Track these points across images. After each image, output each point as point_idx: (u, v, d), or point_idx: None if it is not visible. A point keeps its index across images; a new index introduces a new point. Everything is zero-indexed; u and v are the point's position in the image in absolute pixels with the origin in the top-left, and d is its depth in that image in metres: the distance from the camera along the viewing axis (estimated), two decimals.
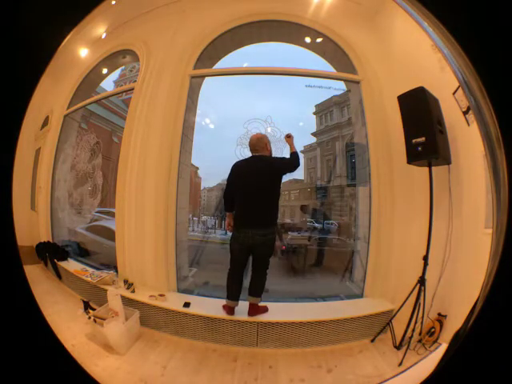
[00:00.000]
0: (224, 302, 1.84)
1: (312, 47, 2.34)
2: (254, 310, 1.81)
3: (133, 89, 2.21)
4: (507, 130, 0.89)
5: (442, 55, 1.11)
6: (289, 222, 2.87)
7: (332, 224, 2.71)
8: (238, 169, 1.95)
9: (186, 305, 1.87)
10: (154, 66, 2.17)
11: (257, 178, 1.85)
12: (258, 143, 1.93)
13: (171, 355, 1.65)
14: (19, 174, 1.11)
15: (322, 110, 2.71)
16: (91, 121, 2.56)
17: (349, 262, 2.30)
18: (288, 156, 1.97)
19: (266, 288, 1.89)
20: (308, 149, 2.79)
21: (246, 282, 1.90)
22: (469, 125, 1.42)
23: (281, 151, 2.36)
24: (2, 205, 1.00)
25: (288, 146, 2.00)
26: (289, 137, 1.99)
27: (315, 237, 2.67)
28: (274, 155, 2.09)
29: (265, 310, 1.84)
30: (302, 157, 2.03)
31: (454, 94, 1.41)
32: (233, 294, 1.82)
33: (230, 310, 1.81)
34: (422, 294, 1.59)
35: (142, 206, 2.08)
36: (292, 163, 1.94)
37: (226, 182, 2.57)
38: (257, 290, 1.84)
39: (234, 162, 2.02)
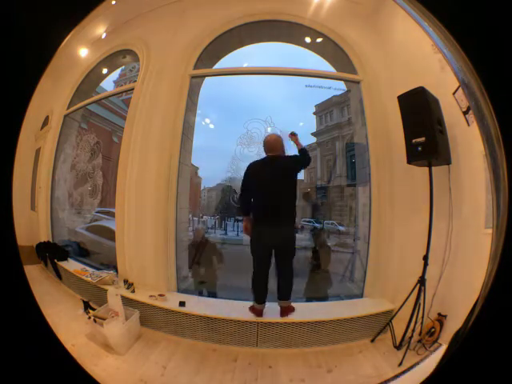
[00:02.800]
0: (250, 303, 1.84)
1: (312, 47, 2.34)
2: (286, 311, 1.81)
3: (133, 89, 2.21)
4: (507, 130, 0.89)
5: (442, 55, 1.11)
6: None
7: (332, 224, 2.71)
8: (255, 169, 1.95)
9: (182, 304, 1.87)
10: (154, 65, 2.17)
11: (276, 177, 1.88)
12: (276, 144, 1.98)
13: (171, 355, 1.65)
14: (19, 173, 1.11)
15: (322, 110, 2.70)
16: (91, 121, 2.55)
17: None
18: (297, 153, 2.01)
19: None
20: (308, 149, 2.78)
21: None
22: (469, 125, 1.41)
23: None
24: (2, 205, 1.00)
25: (293, 143, 2.02)
26: (294, 135, 2.03)
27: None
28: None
29: (293, 309, 1.83)
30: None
31: (454, 94, 1.41)
32: (260, 297, 1.83)
33: (259, 312, 1.80)
34: (422, 294, 1.59)
35: (142, 206, 2.08)
36: (305, 160, 2.02)
37: (226, 183, 2.59)
38: (286, 292, 1.84)
39: (236, 161, 2.11)
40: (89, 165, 2.38)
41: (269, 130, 2.36)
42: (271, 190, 1.86)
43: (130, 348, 1.67)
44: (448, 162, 1.62)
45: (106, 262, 2.20)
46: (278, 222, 1.83)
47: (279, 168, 1.92)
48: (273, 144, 1.97)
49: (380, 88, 2.06)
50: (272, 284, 1.86)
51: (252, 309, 1.83)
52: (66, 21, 1.05)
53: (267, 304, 1.84)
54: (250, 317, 1.78)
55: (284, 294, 1.84)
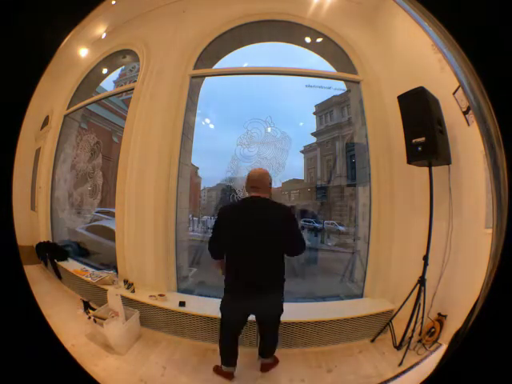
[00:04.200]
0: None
1: (312, 47, 2.34)
2: (268, 367, 1.57)
3: (133, 89, 2.21)
4: (507, 130, 0.89)
5: (442, 55, 1.11)
6: None
7: (332, 224, 2.71)
8: (232, 215, 1.52)
9: (182, 304, 1.87)
10: (154, 65, 2.17)
11: (259, 228, 1.41)
12: (262, 180, 1.51)
13: (171, 355, 1.65)
14: (19, 173, 1.11)
15: (322, 110, 2.70)
16: (91, 121, 2.55)
17: None
18: None
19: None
20: (308, 149, 2.79)
21: None
22: (469, 125, 1.41)
23: (281, 152, 2.36)
24: (2, 205, 1.00)
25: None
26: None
27: None
28: (274, 157, 2.08)
29: (277, 362, 1.60)
30: (301, 157, 2.04)
31: (454, 94, 1.41)
32: (229, 361, 1.50)
33: (229, 375, 1.48)
34: (422, 294, 1.59)
35: (142, 206, 2.08)
36: (300, 246, 1.52)
37: (226, 183, 2.58)
38: (270, 351, 1.58)
39: (236, 161, 2.06)
40: (89, 165, 2.38)
41: (269, 130, 2.36)
42: (253, 245, 1.40)
43: (129, 348, 1.67)
44: (448, 162, 1.62)
45: (106, 262, 2.20)
46: (261, 290, 1.42)
47: (267, 214, 1.45)
48: (257, 180, 1.51)
49: (380, 88, 2.06)
50: None
51: (218, 371, 1.50)
52: (66, 21, 1.05)
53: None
54: (250, 317, 1.78)
55: (266, 353, 1.58)
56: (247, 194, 1.57)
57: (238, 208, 1.58)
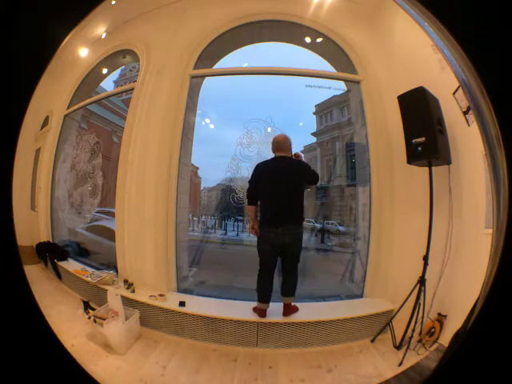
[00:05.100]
0: (254, 304, 1.84)
1: (312, 47, 2.34)
2: (289, 310, 1.82)
3: (133, 89, 2.21)
4: (507, 130, 0.89)
5: (442, 55, 1.11)
6: None
7: (333, 224, 2.71)
8: (264, 169, 1.94)
9: (182, 304, 1.87)
10: (154, 66, 2.17)
11: (285, 177, 1.86)
12: (285, 143, 1.97)
13: (171, 355, 1.65)
14: (19, 173, 1.11)
15: (322, 110, 2.70)
16: (91, 121, 2.56)
17: None
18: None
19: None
20: (308, 149, 2.79)
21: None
22: (469, 125, 1.42)
23: None
24: (2, 205, 1.00)
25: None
26: (297, 156, 2.02)
27: None
28: None
29: (297, 309, 1.85)
30: (302, 157, 2.04)
31: (454, 94, 1.41)
32: (265, 297, 1.82)
33: (262, 312, 1.80)
34: (422, 294, 1.59)
35: (142, 206, 2.08)
36: (315, 178, 1.98)
37: (226, 183, 2.59)
38: (291, 288, 1.85)
39: (236, 161, 2.15)
40: (89, 165, 2.38)
41: (269, 130, 2.37)
42: (281, 189, 1.84)
43: (129, 348, 1.67)
44: (448, 162, 1.62)
45: (106, 262, 2.20)
46: (288, 221, 1.82)
47: (290, 168, 1.91)
48: (281, 143, 1.96)
49: (380, 88, 2.06)
50: (277, 285, 1.86)
51: (255, 309, 1.82)
52: (66, 21, 1.05)
53: (270, 304, 1.83)
54: (250, 317, 1.78)
55: (287, 290, 1.84)
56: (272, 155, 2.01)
57: (270, 163, 1.96)
